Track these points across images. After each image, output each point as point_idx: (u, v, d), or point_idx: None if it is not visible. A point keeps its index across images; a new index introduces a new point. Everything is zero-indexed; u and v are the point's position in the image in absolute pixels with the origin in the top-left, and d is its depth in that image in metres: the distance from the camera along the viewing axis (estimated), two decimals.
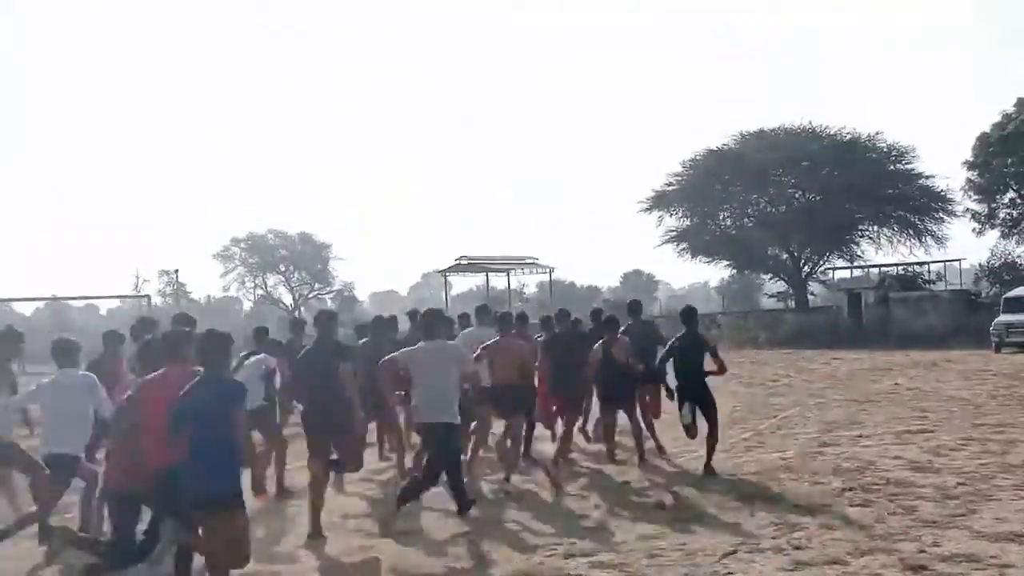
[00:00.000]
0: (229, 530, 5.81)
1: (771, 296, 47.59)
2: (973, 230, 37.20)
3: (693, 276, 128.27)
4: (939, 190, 42.82)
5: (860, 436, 12.42)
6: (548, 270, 60.63)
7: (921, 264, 43.49)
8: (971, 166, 36.74)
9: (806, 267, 47.42)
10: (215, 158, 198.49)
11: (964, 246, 73.65)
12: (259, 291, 64.87)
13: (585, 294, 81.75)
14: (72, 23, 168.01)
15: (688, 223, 47.87)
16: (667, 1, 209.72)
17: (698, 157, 46.56)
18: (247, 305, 72.36)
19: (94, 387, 7.81)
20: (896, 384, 19.76)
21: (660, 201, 47.74)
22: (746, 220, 47.66)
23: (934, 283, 40.12)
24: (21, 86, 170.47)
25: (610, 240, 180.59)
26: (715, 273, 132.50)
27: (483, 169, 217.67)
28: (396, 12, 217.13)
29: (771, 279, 52.30)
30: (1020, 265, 36.56)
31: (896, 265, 44.80)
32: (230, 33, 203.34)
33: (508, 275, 59.39)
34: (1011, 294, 30.43)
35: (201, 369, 5.99)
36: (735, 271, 54.86)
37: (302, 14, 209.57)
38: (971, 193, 36.95)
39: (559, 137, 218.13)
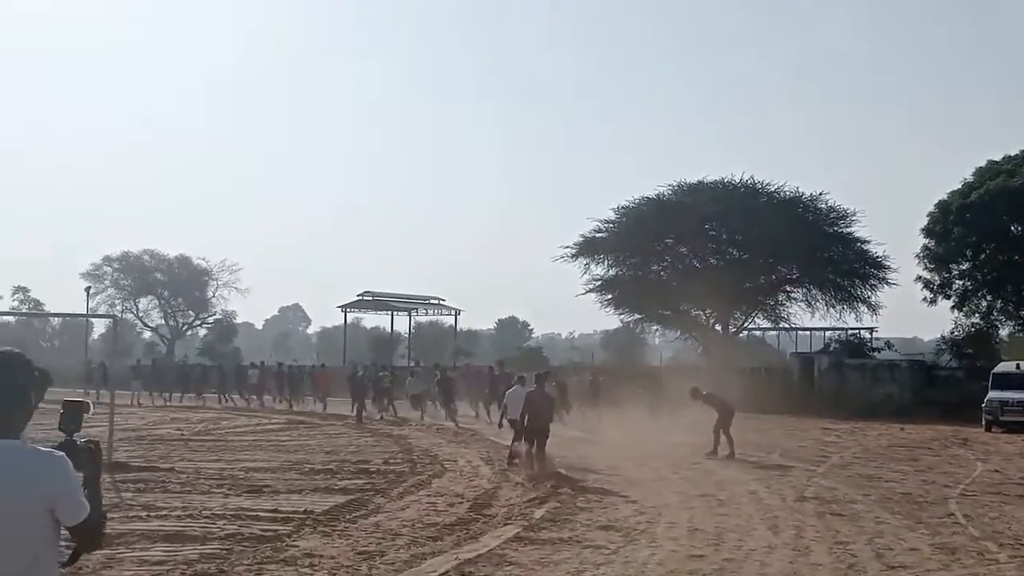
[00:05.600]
0: None
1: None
2: (924, 299, 36.38)
3: (554, 327, 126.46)
4: (875, 256, 42.17)
5: None
6: (454, 312, 57.70)
7: (840, 330, 42.70)
8: (929, 233, 35.92)
9: (732, 326, 45.87)
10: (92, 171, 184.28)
11: (892, 315, 73.84)
12: (129, 314, 58.92)
13: (465, 336, 79.21)
14: None
15: (616, 272, 45.54)
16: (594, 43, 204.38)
17: (633, 205, 44.36)
18: (100, 326, 65.95)
19: None
20: (996, 471, 17.58)
21: (588, 247, 45.26)
22: (670, 272, 45.81)
23: (880, 351, 39.13)
24: None
25: (496, 284, 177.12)
26: (578, 325, 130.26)
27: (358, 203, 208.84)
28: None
29: (682, 336, 50.69)
30: (992, 338, 35.88)
31: (813, 329, 43.96)
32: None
33: (410, 314, 56.13)
34: (999, 369, 29.28)
35: None
36: (644, 324, 52.94)
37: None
38: (926, 261, 36.10)
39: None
